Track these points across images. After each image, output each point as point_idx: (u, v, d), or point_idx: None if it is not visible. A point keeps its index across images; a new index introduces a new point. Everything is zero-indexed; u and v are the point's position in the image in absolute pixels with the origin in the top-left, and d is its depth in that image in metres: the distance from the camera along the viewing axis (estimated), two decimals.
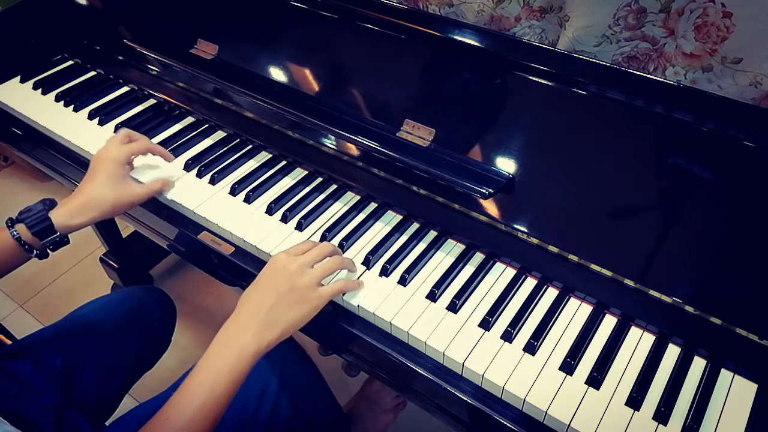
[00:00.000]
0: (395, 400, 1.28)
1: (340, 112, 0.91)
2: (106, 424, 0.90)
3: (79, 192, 0.83)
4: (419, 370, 0.72)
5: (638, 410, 0.66)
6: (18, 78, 1.15)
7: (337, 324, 0.77)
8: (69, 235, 0.84)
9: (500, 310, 0.75)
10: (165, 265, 1.73)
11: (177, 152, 0.98)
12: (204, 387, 0.63)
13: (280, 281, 0.69)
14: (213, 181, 0.93)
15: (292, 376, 0.87)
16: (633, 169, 0.75)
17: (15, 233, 0.78)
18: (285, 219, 0.87)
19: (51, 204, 0.81)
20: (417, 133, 0.86)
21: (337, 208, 0.89)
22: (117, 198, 0.83)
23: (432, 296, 0.76)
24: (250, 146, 1.00)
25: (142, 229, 1.04)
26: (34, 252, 0.80)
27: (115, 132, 1.03)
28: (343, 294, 0.76)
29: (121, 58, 1.13)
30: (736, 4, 0.71)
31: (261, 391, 0.83)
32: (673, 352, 0.71)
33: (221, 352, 0.65)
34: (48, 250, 0.82)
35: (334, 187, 0.92)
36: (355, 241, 0.84)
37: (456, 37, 0.84)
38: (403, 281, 0.78)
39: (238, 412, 0.81)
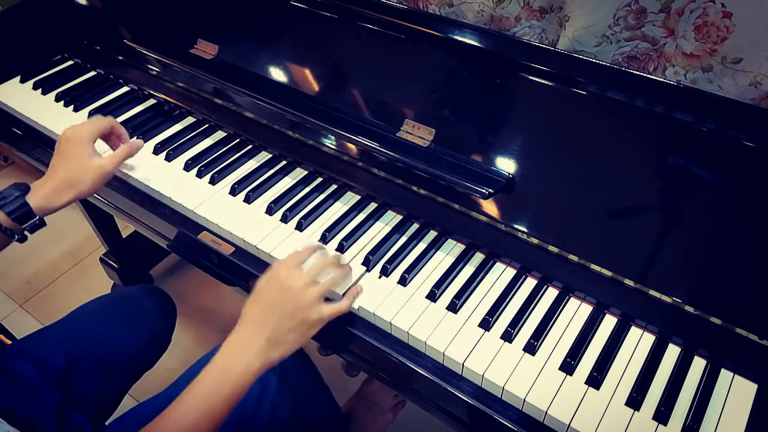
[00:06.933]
0: (394, 400, 1.28)
1: (340, 112, 0.91)
2: (106, 423, 0.90)
3: (53, 174, 0.84)
4: (419, 370, 0.72)
5: (638, 410, 0.66)
6: (18, 78, 1.15)
7: (336, 324, 0.77)
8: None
9: (500, 310, 0.75)
10: (165, 265, 1.73)
11: (177, 152, 0.98)
12: (207, 397, 0.64)
13: (285, 300, 0.69)
14: (213, 181, 0.93)
15: (292, 375, 0.87)
16: (633, 169, 0.75)
17: None
18: (285, 219, 0.87)
19: (25, 188, 0.82)
20: (417, 133, 0.86)
21: (337, 208, 0.89)
22: (94, 173, 0.84)
23: (432, 296, 0.76)
24: (250, 146, 1.00)
25: (142, 229, 1.04)
26: (15, 237, 0.81)
27: None
28: (342, 294, 0.76)
29: (121, 58, 1.13)
30: (736, 4, 0.71)
31: (261, 390, 0.83)
32: (673, 352, 0.71)
33: (227, 365, 0.66)
34: (26, 233, 0.83)
35: (334, 187, 0.92)
36: (355, 241, 0.84)
37: (456, 37, 0.84)
38: (403, 281, 0.78)
39: (237, 411, 0.80)
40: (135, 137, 0.98)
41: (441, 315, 0.74)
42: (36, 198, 0.81)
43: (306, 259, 0.73)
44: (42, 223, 0.83)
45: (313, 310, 0.69)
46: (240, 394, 0.66)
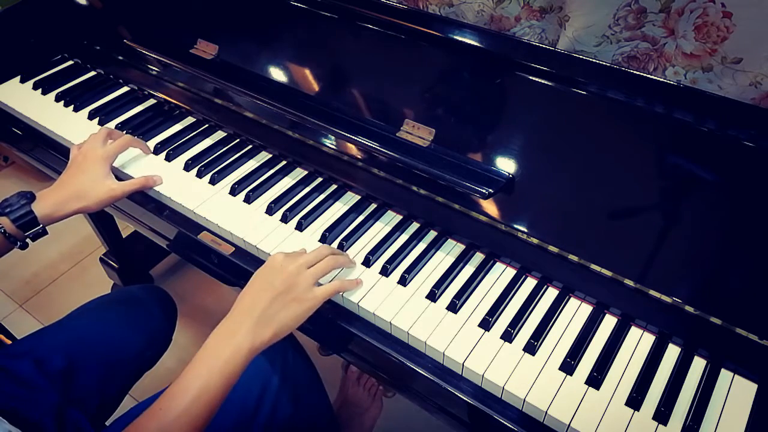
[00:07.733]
0: (369, 395, 1.28)
1: (340, 112, 0.91)
2: (106, 423, 0.90)
3: (64, 185, 0.86)
4: (419, 370, 0.72)
5: (638, 410, 0.66)
6: (18, 78, 1.15)
7: (337, 324, 0.77)
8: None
9: (500, 310, 0.75)
10: (165, 265, 1.73)
11: (177, 152, 0.98)
12: (198, 380, 0.63)
13: (276, 280, 0.70)
14: (213, 181, 0.93)
15: (293, 375, 0.87)
16: (633, 169, 0.75)
17: (0, 227, 0.80)
18: (285, 219, 0.87)
19: (31, 197, 0.83)
20: (417, 133, 0.86)
21: (337, 208, 0.89)
22: (103, 194, 0.86)
23: (432, 296, 0.76)
24: (250, 146, 1.00)
25: (142, 229, 1.04)
26: (18, 244, 0.83)
27: None
28: (342, 293, 0.76)
29: (121, 58, 1.13)
30: (736, 4, 0.71)
31: (262, 388, 0.83)
32: (673, 352, 0.71)
33: (217, 347, 0.66)
34: (28, 241, 0.84)
35: (334, 187, 0.92)
36: (355, 241, 0.84)
37: (456, 37, 0.84)
38: (403, 281, 0.78)
39: (238, 409, 0.81)
40: (137, 136, 0.98)
41: (441, 315, 0.74)
42: (42, 206, 0.83)
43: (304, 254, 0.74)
44: (44, 232, 0.85)
45: (307, 291, 0.70)
46: (232, 377, 0.65)
